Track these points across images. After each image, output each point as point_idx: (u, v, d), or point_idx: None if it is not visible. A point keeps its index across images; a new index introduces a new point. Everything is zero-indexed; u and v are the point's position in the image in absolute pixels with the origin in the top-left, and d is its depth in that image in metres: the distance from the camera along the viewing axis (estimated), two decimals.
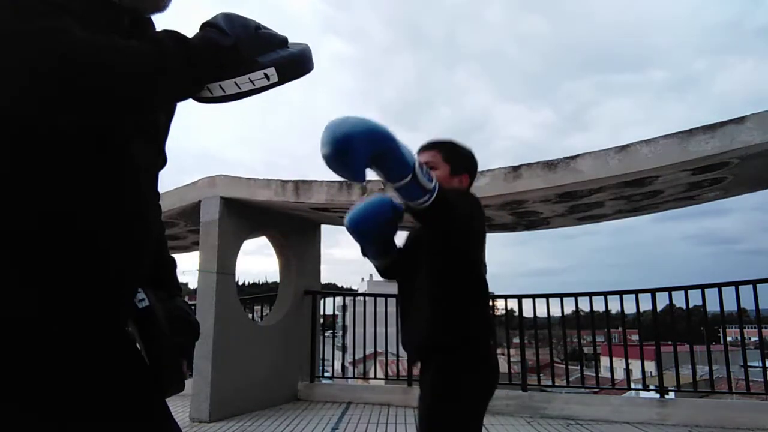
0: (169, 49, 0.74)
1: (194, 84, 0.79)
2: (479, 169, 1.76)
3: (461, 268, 1.53)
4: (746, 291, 4.29)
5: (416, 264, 1.62)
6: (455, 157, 1.68)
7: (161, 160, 0.95)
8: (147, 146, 0.86)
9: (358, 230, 1.53)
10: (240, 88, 0.81)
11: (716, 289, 4.44)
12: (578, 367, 6.18)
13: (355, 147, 0.99)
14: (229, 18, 0.80)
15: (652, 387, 5.13)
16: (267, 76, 0.81)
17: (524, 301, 5.34)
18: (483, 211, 1.56)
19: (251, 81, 0.81)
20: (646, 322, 5.86)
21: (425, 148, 1.69)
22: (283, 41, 0.85)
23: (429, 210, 1.19)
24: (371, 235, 1.57)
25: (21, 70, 0.62)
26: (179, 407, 4.71)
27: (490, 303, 1.64)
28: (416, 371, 5.47)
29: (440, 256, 1.53)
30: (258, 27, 0.83)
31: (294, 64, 0.85)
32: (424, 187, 1.14)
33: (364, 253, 1.68)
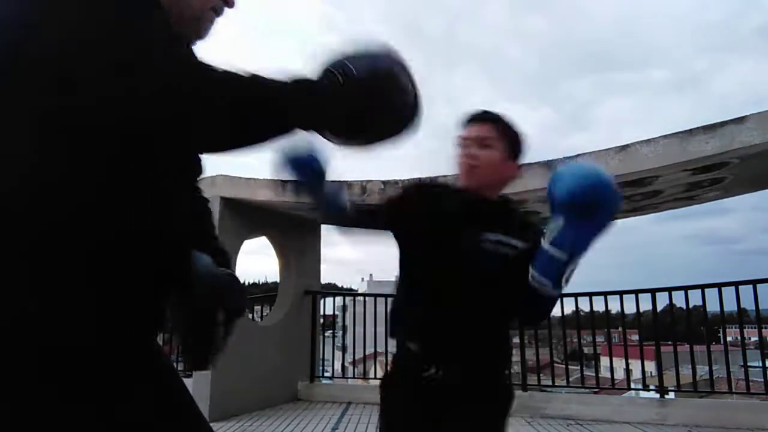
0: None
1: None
2: None
3: None
4: (746, 291, 4.29)
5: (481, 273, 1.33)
6: (512, 137, 1.36)
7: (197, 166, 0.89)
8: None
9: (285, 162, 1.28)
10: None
11: (716, 289, 4.44)
12: (578, 367, 6.17)
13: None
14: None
15: (652, 387, 5.12)
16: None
17: None
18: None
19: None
20: (646, 322, 5.86)
21: (476, 120, 1.35)
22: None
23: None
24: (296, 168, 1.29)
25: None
26: None
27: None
28: None
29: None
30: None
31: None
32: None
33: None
